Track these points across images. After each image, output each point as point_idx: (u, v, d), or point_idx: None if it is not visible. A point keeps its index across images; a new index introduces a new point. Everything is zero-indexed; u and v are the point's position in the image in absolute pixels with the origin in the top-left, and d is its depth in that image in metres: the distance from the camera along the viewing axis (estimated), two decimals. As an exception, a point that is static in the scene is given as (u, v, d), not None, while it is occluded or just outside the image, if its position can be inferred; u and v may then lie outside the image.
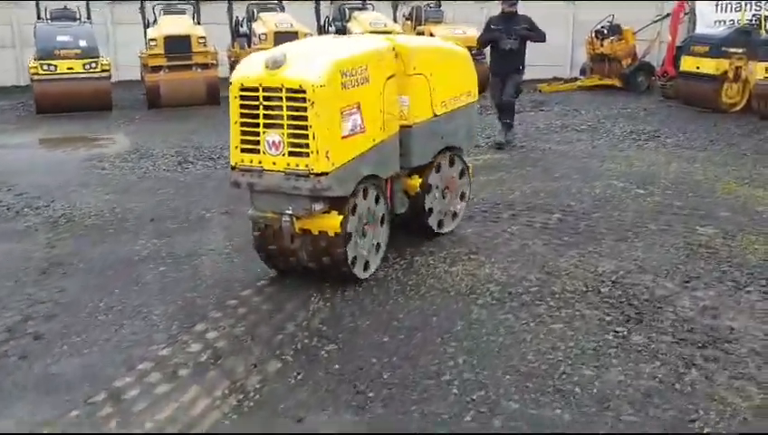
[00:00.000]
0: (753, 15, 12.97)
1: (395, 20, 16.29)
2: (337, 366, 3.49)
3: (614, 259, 4.88)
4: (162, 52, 13.00)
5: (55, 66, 12.51)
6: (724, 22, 13.82)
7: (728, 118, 10.83)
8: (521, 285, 4.45)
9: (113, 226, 5.92)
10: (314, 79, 3.95)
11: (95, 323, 4.03)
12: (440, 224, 5.36)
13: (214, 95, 12.89)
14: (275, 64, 4.05)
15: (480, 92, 6.33)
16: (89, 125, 11.49)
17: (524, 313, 4.07)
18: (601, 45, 14.53)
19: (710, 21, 14.02)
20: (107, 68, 13.00)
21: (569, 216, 5.89)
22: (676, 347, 3.64)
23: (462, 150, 5.63)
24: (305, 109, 3.96)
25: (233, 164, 4.26)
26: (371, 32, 13.06)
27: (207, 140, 9.72)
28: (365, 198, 4.54)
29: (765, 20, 11.75)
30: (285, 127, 4.04)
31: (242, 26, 15.52)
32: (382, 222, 4.76)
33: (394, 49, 4.68)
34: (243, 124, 4.16)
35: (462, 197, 5.64)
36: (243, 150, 4.20)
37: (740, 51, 11.07)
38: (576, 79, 15.56)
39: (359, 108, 4.26)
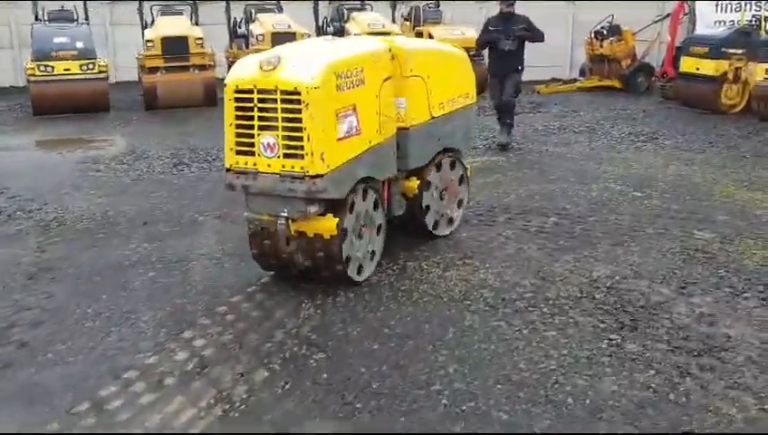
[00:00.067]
0: (753, 16, 12.89)
1: (393, 20, 16.23)
2: (325, 375, 3.43)
3: (610, 264, 4.82)
4: (159, 53, 12.96)
5: (52, 67, 12.47)
6: (724, 22, 13.75)
7: (728, 119, 10.75)
8: (514, 291, 4.39)
9: (105, 229, 5.86)
10: (309, 81, 3.92)
11: (82, 331, 3.97)
12: (435, 225, 5.31)
13: (211, 96, 12.84)
14: (270, 66, 4.02)
15: (479, 93, 6.29)
16: (85, 126, 11.44)
17: (518, 320, 4.00)
18: (601, 46, 14.47)
19: (710, 21, 13.94)
20: (104, 69, 12.96)
21: (565, 219, 5.83)
22: (671, 355, 3.58)
23: (460, 152, 5.60)
24: (300, 111, 3.94)
25: (227, 166, 4.23)
26: (369, 32, 13.01)
27: (203, 142, 9.67)
28: (364, 200, 4.51)
29: (765, 21, 11.67)
30: (280, 129, 4.02)
31: (240, 27, 15.47)
32: (379, 231, 4.72)
33: (390, 51, 4.66)
34: (237, 126, 4.14)
35: (459, 204, 5.62)
36: (237, 152, 4.17)
37: (740, 52, 10.99)
38: (575, 80, 15.51)
39: (354, 110, 4.23)
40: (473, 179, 5.92)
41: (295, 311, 4.14)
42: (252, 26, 14.46)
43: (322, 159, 4.00)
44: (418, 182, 5.03)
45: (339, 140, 4.13)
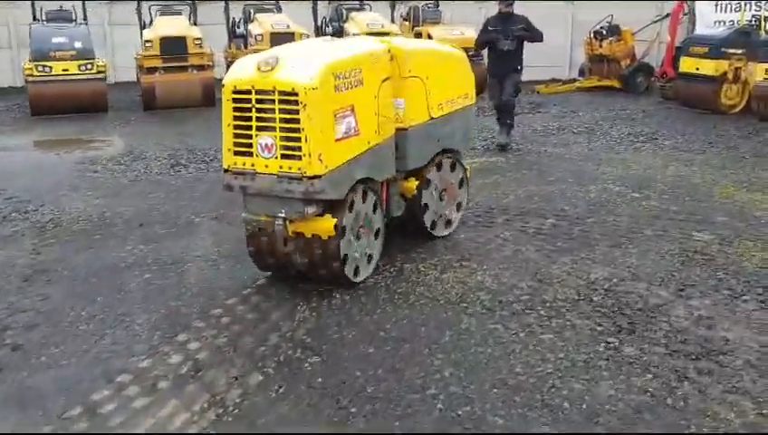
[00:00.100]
0: (753, 16, 12.86)
1: (392, 21, 16.21)
2: (320, 379, 3.40)
3: (607, 266, 4.79)
4: (158, 53, 12.94)
5: (50, 68, 12.44)
6: (724, 22, 13.71)
7: (727, 119, 10.73)
8: (512, 294, 4.36)
9: (101, 231, 5.83)
10: (306, 81, 3.92)
11: (76, 333, 3.94)
12: (433, 225, 5.29)
13: (210, 97, 12.81)
14: (268, 67, 4.02)
15: (478, 94, 6.26)
16: (84, 127, 11.43)
17: (514, 322, 3.97)
18: (600, 46, 14.44)
19: (710, 21, 13.91)
20: (102, 69, 12.94)
21: (563, 221, 5.80)
22: (668, 359, 3.55)
23: (460, 154, 5.59)
24: (297, 111, 3.93)
25: (225, 167, 4.23)
26: (368, 33, 12.99)
27: (201, 143, 9.65)
28: (363, 202, 4.51)
29: (765, 20, 11.64)
30: (278, 129, 4.02)
31: (239, 27, 15.45)
32: (377, 235, 4.71)
33: (389, 51, 4.65)
34: (235, 127, 4.14)
35: (458, 207, 5.60)
36: (235, 153, 4.17)
37: (739, 52, 10.97)
38: (575, 80, 15.47)
39: (353, 111, 4.23)
40: (471, 180, 5.89)
41: (290, 313, 4.11)
42: (250, 26, 14.44)
43: (320, 160, 3.99)
44: (417, 183, 5.02)
45: (337, 140, 4.12)
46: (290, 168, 4.01)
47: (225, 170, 4.22)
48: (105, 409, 3.20)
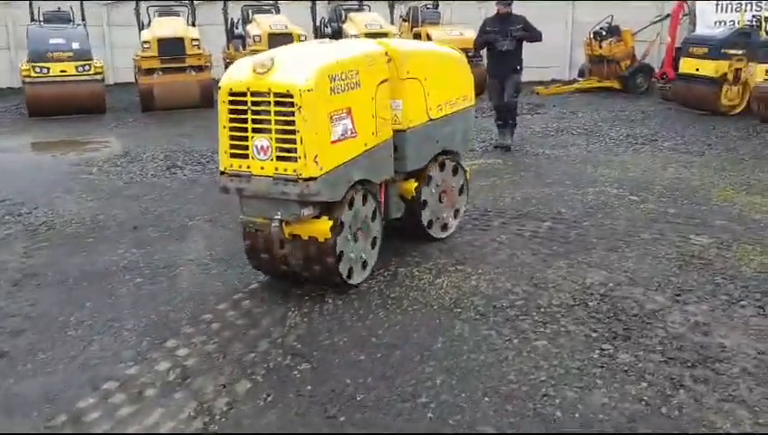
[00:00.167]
0: (753, 16, 12.79)
1: (392, 21, 16.16)
2: (309, 387, 3.35)
3: (604, 270, 4.73)
4: (156, 54, 12.92)
5: (48, 69, 12.42)
6: (725, 22, 13.65)
7: (727, 121, 10.67)
8: (506, 299, 4.30)
9: (94, 234, 5.78)
10: (302, 83, 3.90)
11: (63, 339, 3.88)
12: (430, 224, 5.25)
13: (208, 97, 12.79)
14: (263, 69, 4.00)
15: (477, 95, 6.21)
16: (81, 128, 11.40)
17: (508, 328, 3.92)
18: (600, 47, 14.38)
19: (710, 21, 13.84)
20: (100, 70, 12.91)
21: (560, 224, 5.74)
22: (664, 366, 3.49)
23: (460, 156, 5.58)
24: (293, 113, 3.92)
25: (222, 169, 4.22)
26: (367, 33, 12.97)
27: (198, 144, 9.62)
28: (364, 205, 4.51)
29: (765, 21, 11.57)
30: (273, 132, 4.00)
31: (237, 28, 15.41)
32: (374, 244, 4.68)
33: (387, 53, 4.63)
34: (231, 129, 4.12)
35: (456, 213, 5.57)
36: (232, 155, 4.16)
37: (740, 52, 10.91)
38: (574, 81, 15.42)
39: (349, 112, 4.21)
40: (470, 182, 5.83)
41: (282, 319, 4.06)
42: (248, 27, 14.41)
43: (316, 162, 3.97)
44: (416, 184, 5.01)
45: (333, 142, 4.10)
46: (285, 170, 3.99)
47: (222, 173, 4.21)
48: (90, 417, 3.15)
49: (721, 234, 5.42)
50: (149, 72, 12.94)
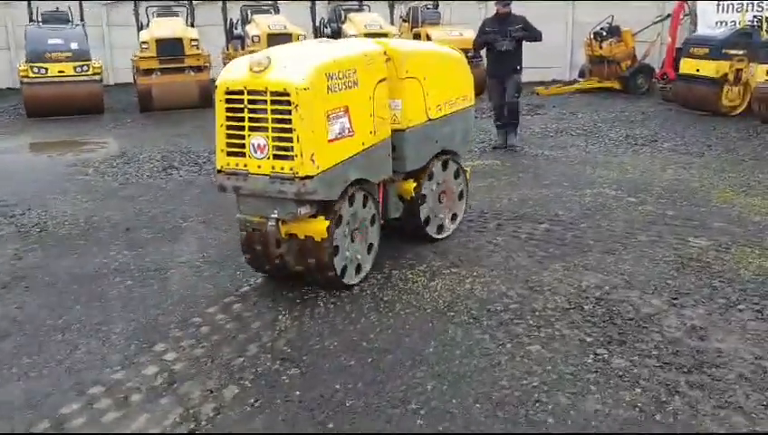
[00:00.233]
0: (755, 17, 12.72)
1: (392, 22, 16.11)
2: (297, 392, 3.29)
3: (600, 273, 4.67)
4: (154, 54, 12.89)
5: (46, 69, 12.39)
6: (726, 23, 13.57)
7: (728, 121, 10.59)
8: (500, 302, 4.24)
9: (86, 236, 5.73)
10: (298, 82, 3.89)
11: (50, 343, 3.83)
12: (427, 221, 5.21)
13: (206, 98, 12.71)
14: (260, 67, 3.99)
15: (477, 95, 6.16)
16: (79, 129, 11.36)
17: (502, 332, 3.86)
18: (600, 47, 14.31)
19: (711, 21, 13.76)
20: (98, 71, 12.88)
21: (556, 225, 5.68)
22: (659, 372, 3.42)
23: (459, 157, 5.55)
24: (289, 112, 3.91)
25: (218, 167, 4.21)
26: (366, 33, 12.90)
27: (196, 144, 9.57)
28: (364, 206, 4.52)
29: (766, 21, 11.50)
30: (270, 130, 3.99)
31: (236, 28, 15.36)
32: (370, 249, 4.66)
33: (385, 53, 4.61)
34: (228, 127, 4.12)
35: (453, 217, 5.54)
36: (228, 154, 4.15)
37: (740, 53, 10.83)
38: (575, 81, 15.35)
39: (346, 111, 4.19)
40: (469, 182, 5.77)
41: (272, 323, 4.00)
42: (248, 27, 14.36)
43: (312, 161, 3.96)
44: (415, 184, 4.99)
45: (330, 141, 4.08)
46: (282, 168, 3.98)
47: (219, 171, 4.20)
48: (73, 423, 3.09)
49: (719, 236, 5.35)
50: (148, 72, 12.91)
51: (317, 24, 15.59)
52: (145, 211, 6.43)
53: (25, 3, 14.55)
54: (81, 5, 14.88)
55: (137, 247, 5.39)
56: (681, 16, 13.73)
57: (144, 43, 12.95)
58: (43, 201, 6.82)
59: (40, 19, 13.90)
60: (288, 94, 3.88)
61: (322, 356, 3.63)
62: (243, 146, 4.07)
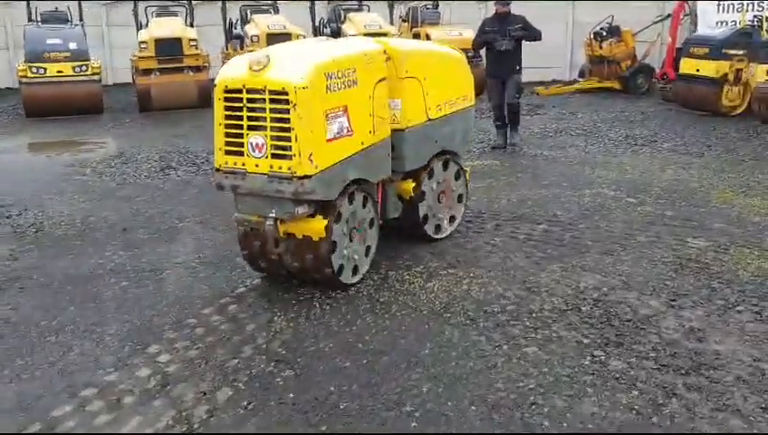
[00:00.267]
0: (755, 16, 12.68)
1: (391, 21, 16.08)
2: (291, 395, 3.26)
3: (598, 274, 4.64)
4: (153, 54, 12.85)
5: (45, 69, 12.36)
6: (726, 22, 13.53)
7: (728, 121, 10.56)
8: (498, 303, 4.21)
9: (82, 236, 5.71)
10: (297, 81, 3.87)
11: (43, 345, 3.80)
12: (425, 219, 5.18)
13: (205, 98, 12.67)
14: (259, 66, 3.98)
15: (477, 96, 6.14)
16: (78, 129, 11.33)
17: (498, 334, 3.83)
18: (600, 47, 14.27)
19: (712, 21, 13.72)
20: (97, 71, 12.85)
21: (555, 226, 5.65)
22: (656, 374, 3.39)
23: (459, 156, 5.54)
24: (288, 111, 3.89)
25: (217, 166, 4.20)
26: (366, 33, 12.86)
27: (194, 145, 9.54)
28: (364, 207, 4.51)
29: (766, 21, 11.46)
30: (268, 129, 3.98)
31: (235, 28, 15.34)
32: (367, 253, 4.64)
33: (385, 52, 4.59)
34: (227, 126, 4.11)
35: (451, 219, 5.51)
36: (227, 152, 4.14)
37: (740, 53, 10.79)
38: (575, 81, 15.31)
39: (345, 111, 4.18)
40: (469, 183, 5.75)
41: (267, 324, 3.98)
42: (247, 27, 14.33)
43: (310, 160, 3.94)
44: (414, 184, 4.97)
45: (328, 141, 4.07)
46: (280, 167, 3.97)
47: (217, 169, 4.20)
48: (64, 426, 3.07)
49: (718, 237, 5.32)
50: (147, 72, 12.88)
51: (317, 23, 15.55)
52: (142, 211, 6.40)
53: (24, 2, 14.52)
54: (80, 5, 14.86)
55: (133, 248, 5.37)
56: (681, 16, 13.69)
57: (143, 42, 12.92)
58: (40, 201, 6.79)
59: (39, 19, 13.87)
60: (286, 93, 3.87)
61: (317, 358, 3.60)
62: (241, 145, 4.06)
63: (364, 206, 4.53)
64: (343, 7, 15.98)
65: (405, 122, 4.77)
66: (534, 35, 8.67)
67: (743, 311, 4.07)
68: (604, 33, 14.28)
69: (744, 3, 13.48)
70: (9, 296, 4.48)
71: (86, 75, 12.60)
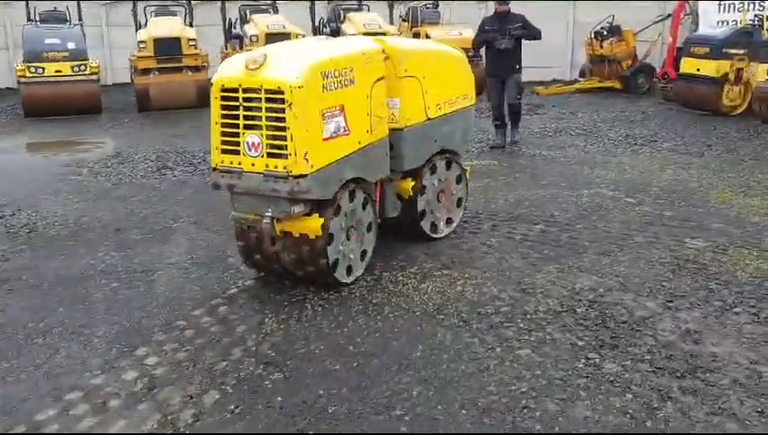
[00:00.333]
0: (756, 16, 12.60)
1: (391, 21, 16.03)
2: (279, 398, 3.21)
3: (594, 275, 4.58)
4: (152, 54, 12.81)
5: (43, 69, 12.33)
6: (727, 22, 13.46)
7: (729, 121, 10.49)
8: (492, 305, 4.15)
9: (75, 237, 5.66)
10: (293, 80, 3.85)
11: (30, 347, 3.75)
12: (422, 213, 5.14)
13: (204, 98, 12.60)
14: (255, 65, 3.97)
15: (477, 95, 6.09)
16: (76, 129, 11.29)
17: (491, 336, 3.77)
18: (601, 47, 14.21)
19: (713, 21, 13.65)
20: (96, 71, 12.81)
21: (552, 227, 5.59)
22: (651, 377, 3.33)
23: (459, 155, 5.51)
24: (283, 110, 3.87)
25: (213, 165, 4.19)
26: (365, 33, 12.81)
27: (192, 144, 9.50)
28: (364, 209, 4.49)
29: (767, 20, 11.39)
30: (264, 128, 3.96)
31: (235, 28, 15.30)
32: (363, 256, 4.60)
33: (384, 51, 4.56)
34: (223, 125, 4.10)
35: (449, 221, 5.46)
36: (223, 151, 4.13)
37: (741, 52, 10.72)
38: (575, 81, 15.25)
39: (342, 110, 4.15)
40: (469, 183, 5.70)
41: (258, 326, 3.92)
42: (246, 27, 14.29)
43: (306, 160, 3.92)
44: (413, 183, 4.94)
45: (325, 140, 4.05)
46: (276, 167, 3.95)
47: (213, 169, 4.18)
48: (48, 430, 3.02)
49: (717, 237, 5.26)
50: (146, 72, 12.84)
51: (316, 23, 15.51)
52: (136, 212, 6.36)
53: (23, 2, 14.49)
54: (79, 5, 14.83)
55: (125, 248, 5.32)
56: (682, 16, 13.61)
57: (142, 42, 12.88)
58: (35, 202, 6.75)
59: (38, 19, 13.84)
60: (282, 92, 3.85)
61: (307, 360, 3.55)
62: (237, 144, 4.05)
63: (364, 208, 4.51)
64: (343, 7, 15.93)
65: (404, 121, 4.74)
66: (534, 34, 8.62)
67: (740, 312, 4.01)
68: (605, 33, 14.22)
69: (745, 2, 13.39)
70: (-2, 297, 4.44)
71: (84, 75, 12.56)
